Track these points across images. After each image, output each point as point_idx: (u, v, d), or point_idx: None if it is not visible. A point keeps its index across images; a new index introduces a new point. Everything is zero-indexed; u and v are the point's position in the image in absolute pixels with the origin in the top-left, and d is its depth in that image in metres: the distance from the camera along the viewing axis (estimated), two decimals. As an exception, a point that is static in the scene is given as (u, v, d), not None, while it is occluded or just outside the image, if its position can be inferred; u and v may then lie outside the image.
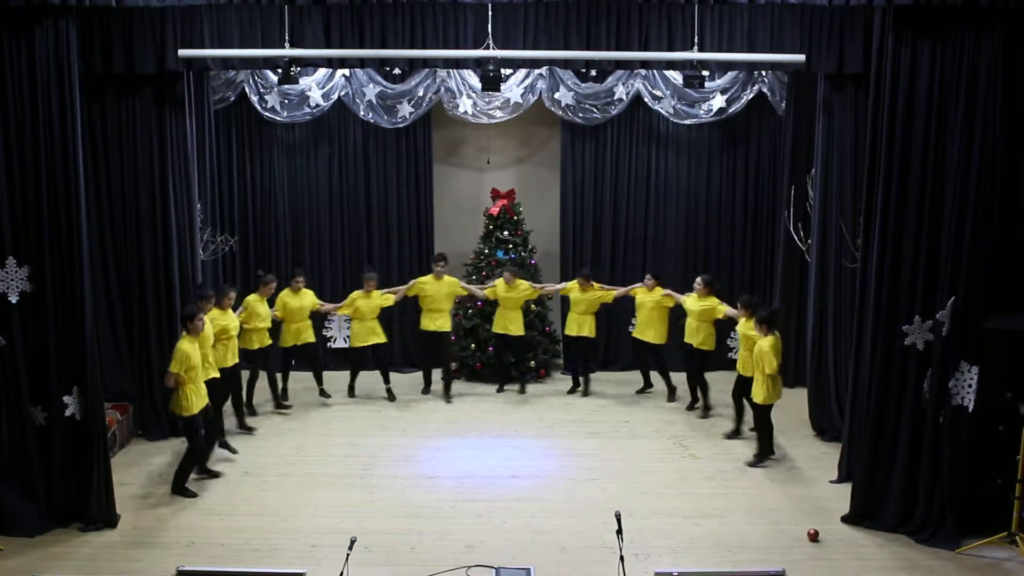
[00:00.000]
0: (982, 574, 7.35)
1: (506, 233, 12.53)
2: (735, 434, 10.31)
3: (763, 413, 9.53)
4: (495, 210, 12.60)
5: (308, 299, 11.42)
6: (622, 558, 5.90)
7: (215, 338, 9.48)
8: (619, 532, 6.03)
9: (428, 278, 11.73)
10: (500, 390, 12.00)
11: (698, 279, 11.13)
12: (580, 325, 11.75)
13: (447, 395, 11.71)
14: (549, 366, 12.61)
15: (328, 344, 12.94)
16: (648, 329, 11.53)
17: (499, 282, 11.79)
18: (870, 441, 8.13)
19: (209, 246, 11.47)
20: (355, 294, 11.57)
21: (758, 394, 9.43)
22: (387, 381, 11.71)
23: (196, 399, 8.63)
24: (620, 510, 6.21)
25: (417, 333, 12.16)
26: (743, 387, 9.97)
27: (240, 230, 12.73)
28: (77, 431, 8.01)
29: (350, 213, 12.96)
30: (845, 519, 8.18)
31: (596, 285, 11.74)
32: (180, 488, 8.71)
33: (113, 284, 10.30)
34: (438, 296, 11.63)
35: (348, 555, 6.01)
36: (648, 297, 11.51)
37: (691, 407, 11.33)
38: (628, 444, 10.13)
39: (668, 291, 11.46)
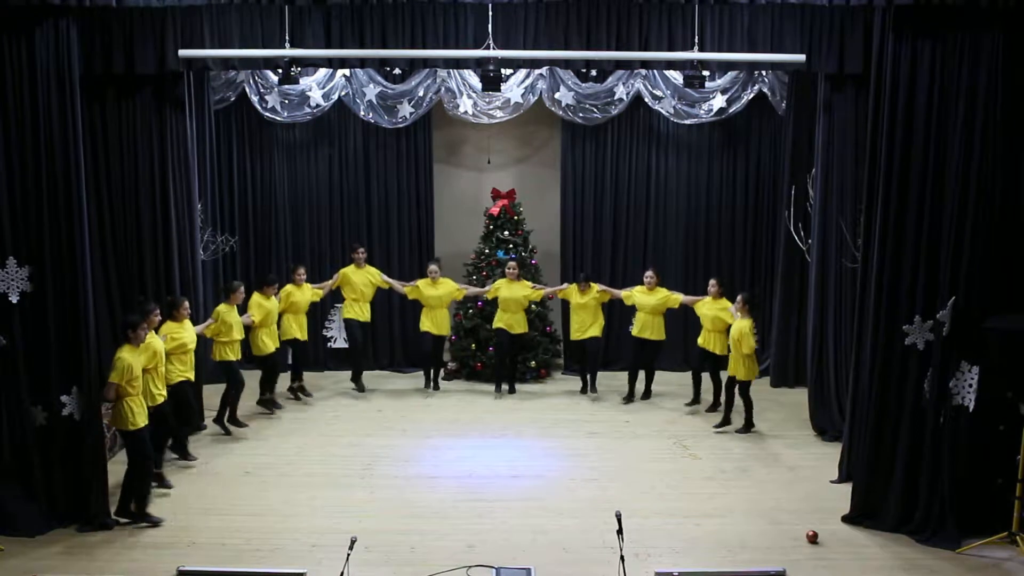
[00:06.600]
0: (982, 574, 7.34)
1: (506, 233, 12.53)
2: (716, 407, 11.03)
3: (745, 388, 10.37)
4: (495, 210, 12.60)
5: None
6: (623, 558, 5.90)
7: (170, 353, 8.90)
8: (620, 532, 6.03)
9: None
10: (498, 389, 11.98)
11: (648, 272, 11.53)
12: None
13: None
14: (550, 366, 12.61)
15: (328, 344, 12.93)
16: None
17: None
18: (870, 441, 8.13)
19: (209, 246, 11.48)
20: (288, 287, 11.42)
21: (739, 372, 10.32)
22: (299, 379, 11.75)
23: (140, 412, 8.01)
24: (620, 510, 6.21)
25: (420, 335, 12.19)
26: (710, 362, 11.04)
27: (240, 230, 12.74)
28: (76, 431, 8.00)
29: (350, 213, 12.96)
30: (845, 519, 8.17)
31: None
32: (142, 513, 8.00)
33: (113, 284, 10.28)
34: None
35: (348, 555, 6.00)
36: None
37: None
38: (628, 444, 10.13)
39: (604, 287, 11.80)
